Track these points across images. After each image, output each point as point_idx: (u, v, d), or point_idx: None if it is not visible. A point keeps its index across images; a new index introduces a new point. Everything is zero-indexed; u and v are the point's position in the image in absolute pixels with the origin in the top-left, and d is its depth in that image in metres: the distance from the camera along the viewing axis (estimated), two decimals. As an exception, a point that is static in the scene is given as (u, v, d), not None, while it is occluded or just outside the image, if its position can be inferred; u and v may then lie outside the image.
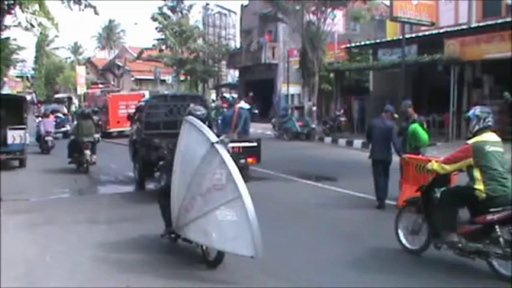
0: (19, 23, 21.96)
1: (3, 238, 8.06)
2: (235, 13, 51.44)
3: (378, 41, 29.31)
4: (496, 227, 6.41)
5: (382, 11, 35.00)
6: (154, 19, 51.14)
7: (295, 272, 7.00)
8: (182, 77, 54.99)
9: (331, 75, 31.38)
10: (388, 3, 25.06)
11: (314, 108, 29.81)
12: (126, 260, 7.54)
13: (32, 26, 19.04)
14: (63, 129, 29.02)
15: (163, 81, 56.43)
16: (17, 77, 68.71)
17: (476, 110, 7.06)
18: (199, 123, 7.12)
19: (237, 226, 6.36)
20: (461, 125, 22.69)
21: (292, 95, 39.46)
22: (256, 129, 30.99)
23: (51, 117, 24.31)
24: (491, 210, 6.45)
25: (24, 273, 6.89)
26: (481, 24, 22.69)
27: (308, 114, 29.90)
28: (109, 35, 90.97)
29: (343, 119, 27.96)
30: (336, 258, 7.57)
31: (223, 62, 50.82)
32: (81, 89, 57.41)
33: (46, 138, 21.50)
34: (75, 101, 50.37)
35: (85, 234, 8.91)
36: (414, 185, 10.47)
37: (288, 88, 38.05)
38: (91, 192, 13.59)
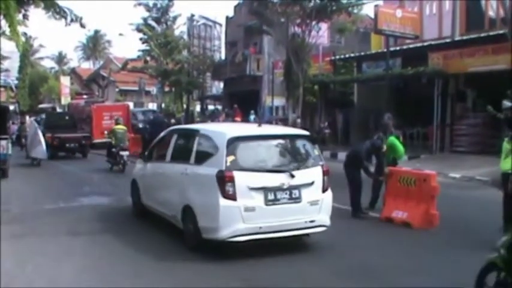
0: (3, 32, 21.86)
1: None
2: (220, 25, 51.44)
3: (362, 53, 29.48)
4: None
5: (366, 24, 35.22)
6: (139, 30, 51.08)
7: (274, 282, 7.02)
8: (167, 88, 54.93)
9: (316, 87, 31.42)
10: (372, 16, 25.25)
11: (298, 120, 29.87)
12: (107, 272, 7.47)
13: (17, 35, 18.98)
14: None
15: (147, 92, 56.36)
16: (1, 86, 68.18)
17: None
18: (34, 121, 27.08)
19: (41, 150, 20.66)
20: (445, 138, 22.86)
21: (277, 107, 39.48)
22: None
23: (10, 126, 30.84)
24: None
25: (5, 285, 6.79)
26: (464, 37, 22.93)
27: (292, 126, 29.94)
28: (94, 46, 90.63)
29: (327, 131, 27.99)
30: (314, 269, 7.58)
31: (208, 74, 50.68)
32: (65, 100, 57.15)
33: None
34: (59, 110, 50.03)
35: (66, 246, 8.81)
36: (397, 197, 10.57)
37: (273, 100, 38.12)
38: (73, 203, 13.42)
